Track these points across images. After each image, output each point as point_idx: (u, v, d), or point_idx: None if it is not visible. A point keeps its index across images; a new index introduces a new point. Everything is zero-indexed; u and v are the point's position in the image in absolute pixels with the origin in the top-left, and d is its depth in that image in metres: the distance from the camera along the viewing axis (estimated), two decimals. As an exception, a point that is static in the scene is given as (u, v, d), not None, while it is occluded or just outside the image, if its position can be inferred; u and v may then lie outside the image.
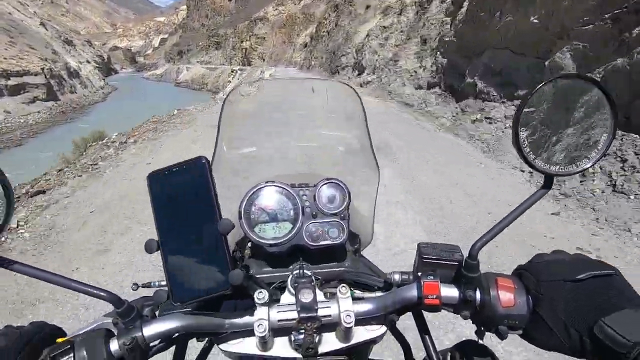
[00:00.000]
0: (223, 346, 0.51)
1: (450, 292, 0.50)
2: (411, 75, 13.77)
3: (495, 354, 0.54)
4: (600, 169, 4.40)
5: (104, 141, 8.22)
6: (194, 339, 0.54)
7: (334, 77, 23.17)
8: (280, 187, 0.63)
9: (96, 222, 4.05)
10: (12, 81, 28.03)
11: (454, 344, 0.57)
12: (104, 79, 50.99)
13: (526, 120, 0.48)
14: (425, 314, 0.56)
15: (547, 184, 0.51)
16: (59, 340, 0.44)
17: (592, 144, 0.48)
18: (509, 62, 7.46)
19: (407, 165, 5.80)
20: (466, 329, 2.15)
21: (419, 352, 0.60)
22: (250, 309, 0.49)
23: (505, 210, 0.53)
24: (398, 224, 3.73)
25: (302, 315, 0.48)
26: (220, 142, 0.75)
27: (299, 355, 0.50)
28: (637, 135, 4.48)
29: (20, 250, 3.50)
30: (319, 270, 0.62)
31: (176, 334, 0.49)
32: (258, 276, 0.56)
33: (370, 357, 0.65)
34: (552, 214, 3.95)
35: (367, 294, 0.57)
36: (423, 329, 0.56)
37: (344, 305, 0.50)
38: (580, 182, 4.39)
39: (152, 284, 0.55)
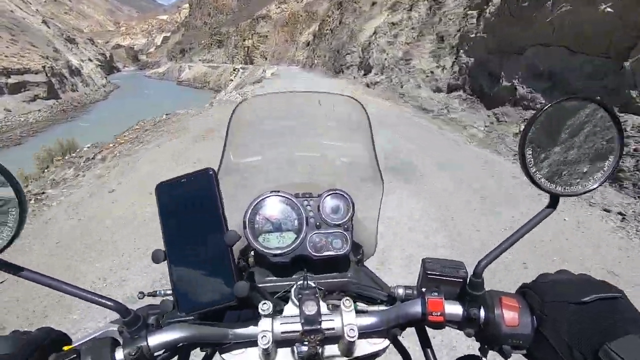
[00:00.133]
0: (226, 356, 0.51)
1: (454, 309, 0.50)
2: (427, 76, 12.26)
3: None
4: None
5: (74, 154, 6.72)
6: (197, 349, 0.52)
7: (337, 76, 21.86)
8: (285, 197, 0.63)
9: None
10: (13, 79, 27.45)
11: (455, 358, 0.55)
12: (105, 77, 50.17)
13: (533, 140, 0.48)
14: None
15: (553, 204, 0.50)
16: (66, 348, 0.44)
17: (598, 166, 0.48)
18: (562, 61, 6.01)
19: (441, 196, 4.37)
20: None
21: None
22: (254, 319, 0.49)
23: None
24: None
25: (306, 328, 0.47)
26: (228, 151, 0.74)
27: None
28: None
29: None
30: (323, 281, 0.61)
31: (180, 344, 0.48)
32: (261, 285, 0.56)
33: None
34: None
35: (370, 308, 0.56)
36: (425, 343, 0.56)
37: (347, 318, 0.49)
38: None
39: (157, 292, 0.55)
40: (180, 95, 36.86)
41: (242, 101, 0.80)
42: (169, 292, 0.47)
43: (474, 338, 0.50)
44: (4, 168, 0.39)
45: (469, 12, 9.92)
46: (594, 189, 0.49)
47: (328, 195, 0.65)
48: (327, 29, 31.68)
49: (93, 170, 5.83)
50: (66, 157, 6.32)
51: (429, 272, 0.52)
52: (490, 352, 0.49)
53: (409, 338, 0.58)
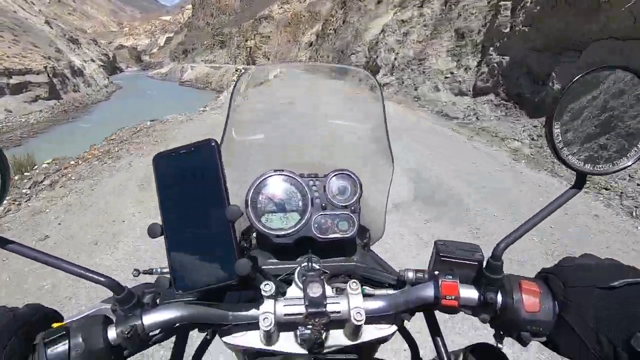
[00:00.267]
0: (226, 339, 0.48)
1: (469, 293, 0.46)
2: (446, 78, 10.98)
3: None
4: None
5: (28, 173, 5.31)
6: (195, 330, 0.50)
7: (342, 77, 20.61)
8: (289, 176, 0.60)
9: None
10: (14, 80, 26.60)
11: (465, 345, 0.52)
12: (108, 78, 49.13)
13: (562, 115, 0.44)
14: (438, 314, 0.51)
15: (579, 183, 0.47)
16: (55, 325, 0.41)
17: (631, 141, 0.43)
18: (644, 59, 4.71)
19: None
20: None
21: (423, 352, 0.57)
22: (255, 301, 0.46)
23: None
24: None
25: (310, 310, 0.45)
26: (230, 127, 0.68)
27: (305, 351, 0.46)
28: None
29: None
30: (328, 264, 0.58)
31: (177, 324, 0.45)
32: (264, 267, 0.51)
33: (376, 357, 0.59)
34: None
35: (378, 291, 0.53)
36: (434, 329, 0.53)
37: (354, 301, 0.46)
38: None
39: (154, 270, 0.53)
40: (182, 96, 36.16)
41: (245, 70, 0.73)
42: (166, 270, 0.44)
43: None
44: None
45: (502, 2, 8.59)
46: (627, 166, 0.44)
47: (334, 175, 0.62)
48: (330, 29, 30.69)
49: (34, 201, 4.11)
50: (16, 178, 4.92)
51: (442, 254, 0.49)
52: (504, 341, 0.47)
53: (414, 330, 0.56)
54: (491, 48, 8.73)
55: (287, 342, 0.47)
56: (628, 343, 0.35)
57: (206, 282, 0.39)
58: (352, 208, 0.60)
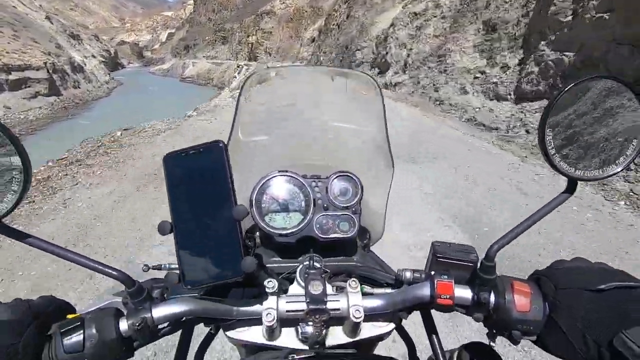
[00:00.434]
0: (230, 333, 0.49)
1: (463, 292, 0.48)
2: (475, 78, 9.64)
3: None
4: None
5: None
6: (201, 324, 0.51)
7: (348, 73, 19.38)
8: (292, 177, 0.61)
9: None
10: (14, 76, 25.41)
11: (461, 344, 0.52)
12: (109, 74, 47.74)
13: (554, 122, 0.45)
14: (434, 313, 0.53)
15: (570, 189, 0.48)
16: (69, 316, 0.43)
17: (621, 149, 0.45)
18: None
19: None
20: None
21: (418, 350, 0.58)
22: (259, 297, 0.47)
23: None
24: None
25: (311, 307, 0.46)
26: (236, 129, 0.70)
27: (306, 347, 0.47)
28: None
29: None
30: (329, 263, 0.59)
31: (184, 318, 0.46)
32: (267, 265, 0.53)
33: (374, 353, 0.61)
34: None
35: (376, 290, 0.54)
36: (431, 328, 0.54)
37: (353, 299, 0.48)
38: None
39: (162, 266, 0.53)
40: (183, 92, 35.06)
41: (252, 73, 0.77)
42: (174, 266, 0.46)
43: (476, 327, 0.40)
44: (13, 135, 0.38)
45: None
46: (616, 173, 0.45)
47: (336, 177, 0.63)
48: (333, 24, 29.28)
49: None
50: None
51: (438, 255, 0.50)
52: (497, 340, 0.48)
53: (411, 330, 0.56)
54: (542, 42, 7.30)
55: (288, 338, 0.48)
56: (611, 343, 0.35)
57: (213, 279, 0.40)
58: (353, 209, 0.61)
